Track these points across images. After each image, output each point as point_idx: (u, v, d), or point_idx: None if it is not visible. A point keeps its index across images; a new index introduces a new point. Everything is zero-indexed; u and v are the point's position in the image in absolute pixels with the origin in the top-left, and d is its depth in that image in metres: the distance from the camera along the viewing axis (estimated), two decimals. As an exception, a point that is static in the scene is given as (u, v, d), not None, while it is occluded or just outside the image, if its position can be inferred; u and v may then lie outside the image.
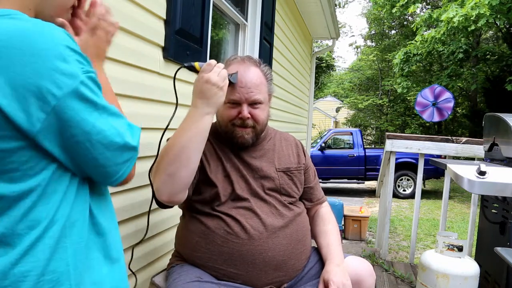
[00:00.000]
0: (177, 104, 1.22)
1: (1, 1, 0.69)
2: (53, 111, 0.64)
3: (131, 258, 1.32)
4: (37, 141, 0.64)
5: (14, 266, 0.64)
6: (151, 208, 1.35)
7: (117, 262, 0.81)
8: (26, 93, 0.61)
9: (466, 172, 1.78)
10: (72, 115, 0.66)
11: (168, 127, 1.19)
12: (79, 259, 0.71)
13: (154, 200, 1.24)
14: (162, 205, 1.26)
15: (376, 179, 7.51)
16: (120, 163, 0.75)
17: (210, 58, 2.26)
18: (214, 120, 1.45)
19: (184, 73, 1.79)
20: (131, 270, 1.33)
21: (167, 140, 1.25)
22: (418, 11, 13.96)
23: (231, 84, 1.24)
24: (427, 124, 15.34)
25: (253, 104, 1.31)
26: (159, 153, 1.18)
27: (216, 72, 1.16)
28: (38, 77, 0.62)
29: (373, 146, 19.57)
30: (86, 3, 0.85)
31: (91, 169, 0.72)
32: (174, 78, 1.23)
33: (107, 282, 0.77)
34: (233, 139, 1.34)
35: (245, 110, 1.30)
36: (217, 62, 1.20)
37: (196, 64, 1.21)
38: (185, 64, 1.22)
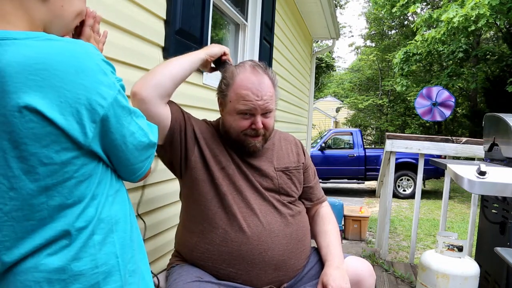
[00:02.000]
0: None
1: (13, 23, 0.72)
2: (101, 120, 0.71)
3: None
4: (90, 149, 0.72)
5: (71, 262, 0.72)
6: (154, 207, 1.35)
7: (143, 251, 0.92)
8: (79, 107, 0.68)
9: (466, 172, 1.78)
10: (114, 121, 0.74)
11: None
12: (125, 251, 0.80)
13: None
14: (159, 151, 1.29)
15: (376, 179, 7.52)
16: (143, 160, 0.84)
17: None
18: (214, 119, 1.46)
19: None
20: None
21: None
22: (418, 10, 13.94)
23: (223, 63, 1.36)
24: (427, 124, 15.34)
25: (265, 113, 1.30)
26: (149, 72, 1.24)
27: (215, 46, 1.36)
28: (87, 92, 0.68)
29: (373, 146, 19.57)
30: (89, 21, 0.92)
31: (122, 167, 0.81)
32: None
33: (143, 269, 0.88)
34: (244, 148, 1.33)
35: (259, 122, 1.28)
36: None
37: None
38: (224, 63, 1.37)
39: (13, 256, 0.70)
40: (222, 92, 1.32)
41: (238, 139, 1.32)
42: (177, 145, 1.27)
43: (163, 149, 1.28)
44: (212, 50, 1.32)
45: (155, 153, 1.29)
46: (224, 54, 1.35)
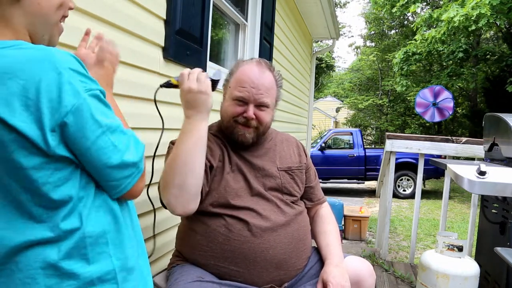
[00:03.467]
0: (163, 126, 1.22)
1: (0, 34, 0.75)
2: (60, 128, 0.70)
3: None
4: (58, 155, 0.72)
5: (62, 260, 0.74)
6: (151, 209, 1.35)
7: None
8: (40, 115, 0.68)
9: (466, 172, 1.78)
10: (75, 131, 0.72)
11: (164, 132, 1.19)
12: (121, 249, 0.82)
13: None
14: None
15: (376, 179, 7.51)
16: (120, 179, 0.79)
17: (210, 58, 2.26)
18: (218, 118, 1.46)
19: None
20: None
21: (168, 150, 1.29)
22: (418, 10, 13.93)
23: (215, 84, 1.21)
24: (427, 124, 15.34)
25: (259, 106, 1.32)
26: (164, 169, 1.19)
27: (193, 80, 1.15)
28: (48, 100, 0.68)
29: (373, 146, 19.57)
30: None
31: (97, 179, 0.79)
32: (155, 100, 1.22)
33: (142, 266, 0.90)
34: (233, 135, 1.34)
35: (251, 110, 1.30)
36: (191, 69, 1.19)
37: (173, 79, 1.20)
38: (161, 84, 1.22)
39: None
40: (227, 80, 1.38)
41: (229, 125, 1.34)
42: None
43: None
44: (208, 106, 1.17)
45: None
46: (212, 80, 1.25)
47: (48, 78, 0.68)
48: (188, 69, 1.19)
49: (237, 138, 1.34)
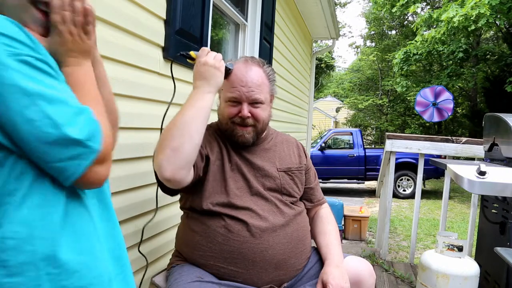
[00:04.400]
0: (174, 92, 1.32)
1: None
2: None
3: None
4: None
5: None
6: (153, 208, 1.35)
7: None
8: None
9: (466, 172, 1.78)
10: None
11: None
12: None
13: (160, 188, 1.27)
14: (166, 190, 1.27)
15: (376, 179, 7.51)
16: (65, 159, 0.66)
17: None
18: (216, 119, 1.46)
19: (184, 73, 1.79)
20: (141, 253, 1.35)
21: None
22: (418, 10, 13.94)
23: (228, 72, 1.29)
24: (427, 124, 15.34)
25: (253, 103, 1.32)
26: (162, 134, 1.19)
27: (211, 56, 1.23)
28: None
29: (373, 146, 19.56)
30: None
31: (39, 163, 0.67)
32: (171, 67, 1.33)
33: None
34: (233, 137, 1.35)
35: (245, 109, 1.31)
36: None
37: (192, 53, 1.27)
38: (182, 52, 1.28)
39: None
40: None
41: (228, 127, 1.35)
42: (192, 185, 1.27)
43: (178, 192, 1.34)
44: (217, 81, 1.22)
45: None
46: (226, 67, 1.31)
47: None
48: (208, 48, 1.28)
49: (237, 139, 1.34)
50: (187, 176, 1.19)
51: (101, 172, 0.71)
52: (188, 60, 1.29)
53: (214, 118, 1.53)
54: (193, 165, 1.21)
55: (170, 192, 1.30)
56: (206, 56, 1.22)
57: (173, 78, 1.34)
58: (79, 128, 0.67)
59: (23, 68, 0.64)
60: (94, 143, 0.69)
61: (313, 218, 1.52)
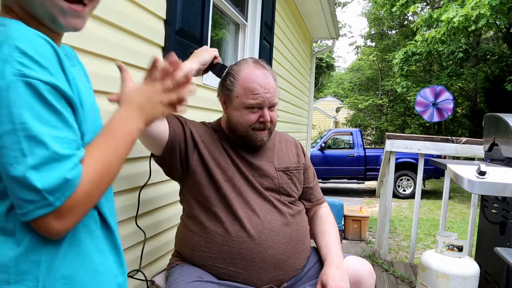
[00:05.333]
0: None
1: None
2: None
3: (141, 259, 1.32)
4: None
5: None
6: (154, 208, 1.35)
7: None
8: None
9: (466, 172, 1.77)
10: None
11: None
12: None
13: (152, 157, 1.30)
14: (158, 160, 1.32)
15: (376, 179, 7.51)
16: (22, 199, 0.61)
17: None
18: (216, 118, 1.46)
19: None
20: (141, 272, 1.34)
21: None
22: (418, 10, 13.93)
23: (217, 66, 1.37)
24: (427, 124, 15.34)
25: (271, 107, 1.33)
26: None
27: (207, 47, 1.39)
28: None
29: (373, 146, 19.56)
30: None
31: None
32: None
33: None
34: (251, 142, 1.34)
35: (267, 114, 1.31)
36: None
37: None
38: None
39: None
40: (227, 88, 1.33)
41: (246, 134, 1.33)
42: (176, 156, 1.29)
43: (163, 159, 1.31)
44: (203, 58, 1.32)
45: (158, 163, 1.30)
46: (215, 57, 1.37)
47: None
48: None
49: (256, 144, 1.35)
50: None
51: (55, 227, 0.64)
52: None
53: (214, 117, 1.53)
54: (169, 125, 1.25)
55: (160, 160, 1.31)
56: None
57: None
58: (45, 176, 0.61)
59: (24, 91, 0.60)
60: (56, 197, 0.62)
61: (312, 218, 1.52)
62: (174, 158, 1.29)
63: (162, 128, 1.23)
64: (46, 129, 0.61)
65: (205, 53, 1.33)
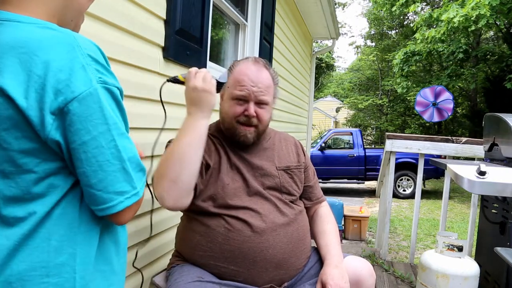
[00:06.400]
0: (165, 117, 1.26)
1: (30, 11, 0.71)
2: (61, 113, 0.64)
3: (135, 258, 1.32)
4: (49, 143, 0.66)
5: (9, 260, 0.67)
6: (153, 208, 1.35)
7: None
8: (44, 94, 0.63)
9: (466, 172, 1.77)
10: (76, 120, 0.65)
11: (163, 132, 1.20)
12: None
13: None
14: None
15: (376, 179, 7.52)
16: (114, 192, 0.69)
17: (210, 58, 2.26)
18: (217, 119, 1.46)
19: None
20: (136, 268, 1.35)
21: (166, 148, 1.28)
22: (418, 10, 13.93)
23: (220, 86, 1.25)
24: (427, 124, 15.34)
25: (259, 103, 1.33)
26: (159, 162, 1.19)
27: (200, 78, 1.18)
28: (56, 81, 0.64)
29: (373, 146, 19.56)
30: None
31: (83, 186, 0.69)
32: (160, 93, 1.25)
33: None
34: (235, 136, 1.35)
35: (252, 108, 1.31)
36: (198, 68, 1.21)
37: (180, 76, 1.22)
38: (169, 79, 1.24)
39: None
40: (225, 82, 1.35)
41: (231, 126, 1.34)
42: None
43: None
44: (210, 104, 1.19)
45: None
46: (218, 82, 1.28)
47: (62, 58, 0.64)
48: (196, 68, 1.21)
49: (239, 139, 1.34)
50: (189, 200, 1.21)
51: (132, 213, 0.74)
52: (178, 84, 1.24)
53: (213, 118, 1.53)
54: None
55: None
56: (195, 78, 1.17)
57: (162, 104, 1.27)
58: (134, 166, 0.71)
59: (106, 95, 0.69)
60: (140, 186, 0.73)
61: (312, 217, 1.52)
62: None
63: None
64: (123, 127, 0.71)
65: (210, 98, 1.18)
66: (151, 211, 1.48)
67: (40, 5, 0.72)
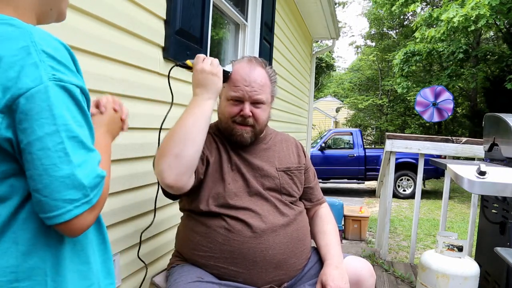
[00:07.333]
0: (172, 101, 1.31)
1: (1, 5, 0.70)
2: (8, 111, 0.61)
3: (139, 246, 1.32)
4: (0, 143, 0.63)
5: None
6: (152, 208, 1.35)
7: None
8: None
9: (466, 172, 1.77)
10: (23, 119, 0.61)
11: (164, 124, 1.21)
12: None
13: (161, 191, 1.27)
14: (168, 194, 1.27)
15: (376, 179, 7.52)
16: (62, 200, 0.63)
17: (210, 58, 2.26)
18: (217, 119, 1.47)
19: (183, 73, 1.79)
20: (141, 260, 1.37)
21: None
22: (418, 10, 13.94)
23: (227, 76, 1.29)
24: (427, 124, 15.34)
25: (255, 103, 1.33)
26: (163, 140, 1.19)
27: (207, 62, 1.23)
28: (5, 78, 0.61)
29: (373, 146, 19.56)
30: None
31: (31, 191, 0.64)
32: (169, 76, 1.31)
33: None
34: (232, 136, 1.35)
35: (247, 108, 1.31)
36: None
37: (188, 61, 1.27)
38: (178, 63, 1.29)
39: None
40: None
41: (228, 126, 1.35)
42: (193, 188, 1.28)
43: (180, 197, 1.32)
44: (217, 87, 1.23)
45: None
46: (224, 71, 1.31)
47: (13, 55, 0.61)
48: (204, 55, 1.27)
49: (236, 138, 1.35)
50: (189, 182, 1.20)
51: (86, 222, 0.68)
52: (186, 69, 1.29)
53: (213, 118, 1.53)
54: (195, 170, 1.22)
55: (172, 196, 1.31)
56: (203, 63, 1.22)
57: (170, 88, 1.33)
58: (87, 174, 0.65)
59: (60, 94, 0.63)
60: (94, 194, 0.67)
61: (313, 218, 1.52)
62: (192, 190, 1.28)
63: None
64: (80, 130, 0.66)
65: (217, 81, 1.23)
66: (156, 196, 1.48)
67: (10, 2, 0.71)
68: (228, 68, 1.32)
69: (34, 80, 0.61)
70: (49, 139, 0.62)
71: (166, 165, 1.13)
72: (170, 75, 1.34)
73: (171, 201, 1.76)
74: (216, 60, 1.25)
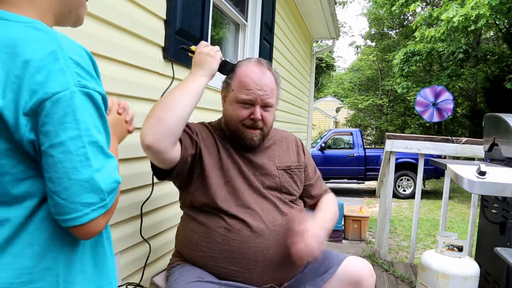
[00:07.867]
0: (173, 77, 1.37)
1: (22, 6, 0.70)
2: (34, 114, 0.63)
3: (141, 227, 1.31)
4: (23, 144, 0.64)
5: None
6: (153, 208, 1.35)
7: None
8: (20, 94, 0.62)
9: (466, 172, 1.77)
10: (47, 122, 0.63)
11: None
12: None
13: (153, 172, 1.28)
14: (156, 170, 1.26)
15: (376, 179, 7.51)
16: (80, 203, 0.65)
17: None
18: (218, 117, 1.46)
19: (184, 74, 1.79)
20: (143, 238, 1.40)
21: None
22: (418, 10, 13.95)
23: (226, 66, 1.33)
24: (427, 124, 15.34)
25: (265, 106, 1.33)
26: (150, 110, 1.20)
27: (208, 47, 1.30)
28: (33, 81, 0.62)
29: (373, 146, 19.56)
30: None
31: (48, 192, 0.65)
32: (179, 48, 1.39)
33: None
34: (241, 140, 1.34)
35: (258, 112, 1.31)
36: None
37: (193, 47, 1.34)
38: (183, 46, 1.37)
39: None
40: (227, 82, 1.37)
41: (237, 129, 1.34)
42: (184, 171, 1.28)
43: (170, 176, 1.29)
44: (212, 68, 1.28)
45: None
46: (225, 61, 1.34)
47: (41, 60, 0.63)
48: (206, 42, 1.34)
49: (245, 142, 1.34)
50: (171, 149, 1.17)
51: (99, 226, 0.69)
52: (189, 53, 1.34)
53: (214, 117, 1.53)
54: (181, 143, 1.22)
55: (160, 174, 1.28)
56: (203, 47, 1.29)
57: (173, 71, 1.40)
58: (105, 178, 0.67)
59: (84, 100, 0.65)
60: (110, 198, 0.69)
61: (316, 204, 1.52)
62: (181, 175, 1.29)
63: (176, 152, 1.21)
64: (99, 135, 0.68)
65: (212, 61, 1.28)
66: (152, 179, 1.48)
67: (33, 2, 0.71)
68: (233, 60, 1.34)
69: (60, 85, 0.63)
70: (71, 143, 0.64)
71: (149, 126, 1.15)
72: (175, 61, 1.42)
73: (171, 200, 1.76)
74: (216, 47, 1.31)
